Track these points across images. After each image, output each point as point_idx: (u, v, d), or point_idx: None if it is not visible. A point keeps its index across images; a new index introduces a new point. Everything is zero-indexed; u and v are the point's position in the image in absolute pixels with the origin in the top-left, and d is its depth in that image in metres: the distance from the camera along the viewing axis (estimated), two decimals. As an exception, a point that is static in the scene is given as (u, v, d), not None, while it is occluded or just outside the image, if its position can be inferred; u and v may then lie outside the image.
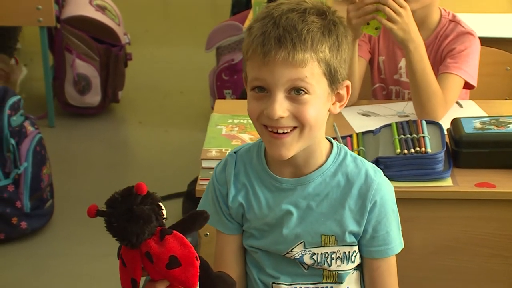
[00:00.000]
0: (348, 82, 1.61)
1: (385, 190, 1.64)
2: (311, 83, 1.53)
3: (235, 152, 1.70)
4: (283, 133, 1.55)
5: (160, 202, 1.44)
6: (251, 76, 1.55)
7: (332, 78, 1.56)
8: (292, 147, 1.57)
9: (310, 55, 1.51)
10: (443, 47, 2.44)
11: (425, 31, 2.42)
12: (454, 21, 2.46)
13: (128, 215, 1.39)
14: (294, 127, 1.55)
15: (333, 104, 1.60)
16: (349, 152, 1.67)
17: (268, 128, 1.56)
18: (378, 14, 2.26)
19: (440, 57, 2.44)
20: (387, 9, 2.24)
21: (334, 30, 1.55)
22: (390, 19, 2.24)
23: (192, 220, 1.46)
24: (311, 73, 1.52)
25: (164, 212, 1.44)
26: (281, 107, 1.53)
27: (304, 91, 1.53)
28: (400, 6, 2.25)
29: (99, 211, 1.41)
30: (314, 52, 1.52)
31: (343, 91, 1.61)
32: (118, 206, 1.40)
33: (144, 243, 1.41)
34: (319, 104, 1.56)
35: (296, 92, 1.53)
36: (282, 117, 1.53)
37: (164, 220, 1.44)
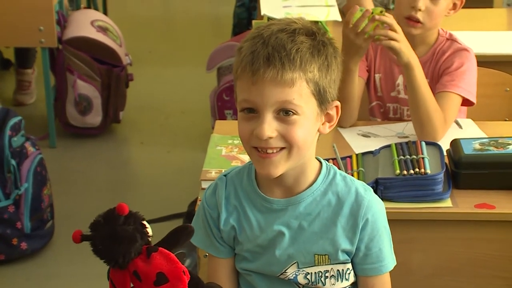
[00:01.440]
0: (337, 103, 1.61)
1: (376, 207, 1.64)
2: (299, 104, 1.54)
3: (225, 175, 1.70)
4: (272, 152, 1.56)
5: (143, 220, 1.44)
6: (241, 97, 1.57)
7: (322, 99, 1.57)
8: (280, 166, 1.57)
9: (299, 74, 1.52)
10: (440, 63, 2.44)
11: (422, 48, 2.44)
12: (451, 39, 2.47)
13: (112, 236, 1.41)
14: (283, 148, 1.56)
15: (322, 124, 1.61)
16: (338, 171, 1.67)
17: (258, 149, 1.57)
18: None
19: (438, 74, 2.44)
20: (384, 31, 2.24)
21: (323, 50, 1.56)
22: (391, 37, 2.25)
23: (176, 235, 1.47)
24: (299, 94, 1.53)
25: (149, 230, 1.45)
26: (270, 127, 1.54)
27: (292, 112, 1.54)
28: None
29: (84, 235, 1.43)
30: (303, 72, 1.53)
31: (332, 112, 1.61)
32: (101, 228, 1.41)
33: (132, 263, 1.42)
34: (307, 124, 1.56)
35: (284, 113, 1.54)
36: (271, 137, 1.54)
37: (149, 238, 1.45)
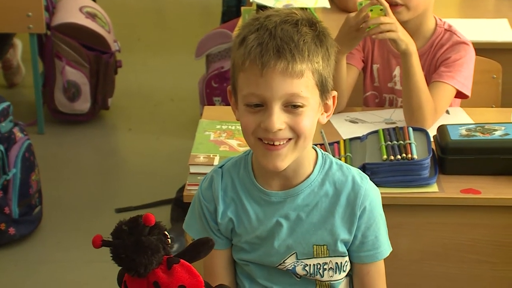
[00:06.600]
0: (335, 93, 1.63)
1: (373, 195, 1.65)
2: (306, 96, 1.54)
3: (220, 167, 1.69)
4: (279, 144, 1.56)
5: (166, 230, 1.44)
6: (246, 91, 1.55)
7: (323, 89, 1.58)
8: (287, 158, 1.57)
9: (307, 65, 1.53)
10: (438, 56, 2.44)
11: (420, 40, 2.43)
12: (450, 30, 2.46)
13: (136, 246, 1.39)
14: (289, 139, 1.56)
15: (321, 114, 1.62)
16: (334, 160, 1.68)
17: (264, 141, 1.56)
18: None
19: (435, 66, 2.44)
20: (381, 18, 2.26)
21: (324, 40, 1.57)
22: (386, 29, 2.27)
23: (198, 248, 1.46)
24: (306, 85, 1.54)
25: (170, 240, 1.44)
26: (279, 119, 1.54)
27: (300, 105, 1.54)
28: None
29: (105, 241, 1.41)
30: (311, 63, 1.54)
31: (330, 102, 1.62)
32: (126, 237, 1.40)
33: (152, 273, 1.41)
34: (312, 114, 1.57)
35: (292, 106, 1.54)
36: (280, 130, 1.54)
37: (170, 248, 1.44)
